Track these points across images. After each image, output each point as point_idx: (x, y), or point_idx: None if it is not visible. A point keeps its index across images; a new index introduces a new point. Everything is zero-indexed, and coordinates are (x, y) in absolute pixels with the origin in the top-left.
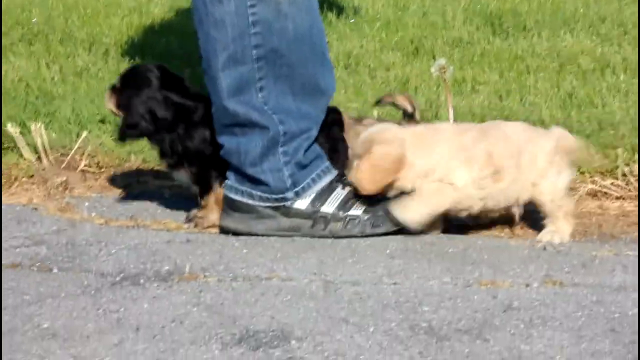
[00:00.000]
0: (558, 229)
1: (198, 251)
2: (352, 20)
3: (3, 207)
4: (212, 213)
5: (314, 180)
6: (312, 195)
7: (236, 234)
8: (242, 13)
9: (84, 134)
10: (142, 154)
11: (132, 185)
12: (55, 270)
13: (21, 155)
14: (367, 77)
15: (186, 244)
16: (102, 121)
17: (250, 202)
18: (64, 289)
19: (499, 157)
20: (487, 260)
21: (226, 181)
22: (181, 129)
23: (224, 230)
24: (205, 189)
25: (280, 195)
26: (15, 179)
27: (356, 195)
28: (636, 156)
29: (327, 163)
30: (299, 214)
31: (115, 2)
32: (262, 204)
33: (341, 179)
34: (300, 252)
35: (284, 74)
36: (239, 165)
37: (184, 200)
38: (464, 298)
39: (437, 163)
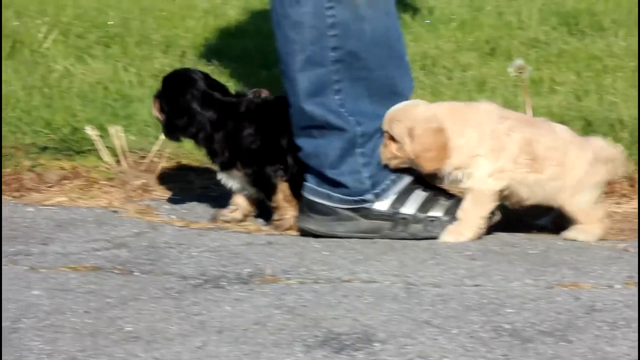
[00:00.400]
0: (587, 230)
1: (279, 253)
2: (428, 21)
3: (83, 210)
4: (286, 212)
5: (393, 182)
6: (392, 197)
7: (316, 236)
8: (321, 14)
9: (162, 136)
10: None
11: (211, 187)
12: (136, 273)
13: (100, 158)
14: (444, 77)
15: (267, 246)
16: None
17: (329, 204)
18: (146, 292)
19: (544, 148)
20: (569, 262)
21: (305, 183)
22: (230, 126)
23: (304, 232)
24: (269, 189)
25: (360, 197)
26: (95, 181)
27: (437, 196)
28: None
29: None
30: (379, 216)
31: (190, 4)
32: (341, 205)
33: (421, 180)
34: (381, 254)
35: (361, 77)
36: (318, 168)
37: (263, 202)
38: (546, 300)
39: (463, 146)
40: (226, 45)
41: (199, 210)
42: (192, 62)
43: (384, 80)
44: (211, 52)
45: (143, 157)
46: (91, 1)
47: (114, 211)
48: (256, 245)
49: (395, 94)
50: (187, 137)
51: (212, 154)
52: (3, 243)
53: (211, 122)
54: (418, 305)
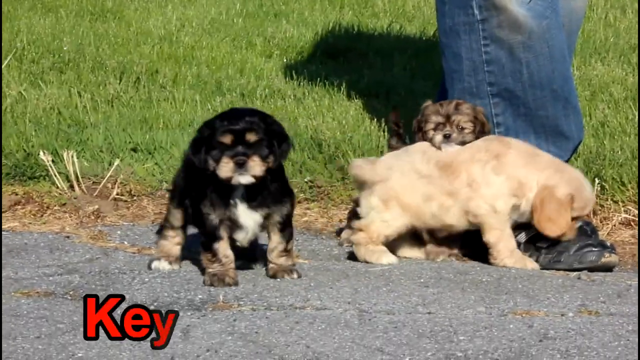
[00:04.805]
0: None
1: None
2: None
3: (35, 235)
4: None
5: None
6: None
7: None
8: (476, 49)
9: (116, 162)
10: None
11: (164, 214)
12: None
13: (53, 184)
14: None
15: None
16: (134, 149)
17: None
18: None
19: None
20: (522, 290)
21: None
22: None
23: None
24: None
25: None
26: (48, 207)
27: None
28: None
29: None
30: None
31: (146, 30)
32: None
33: None
34: (334, 281)
35: (522, 114)
36: None
37: None
38: (499, 327)
39: None
40: (180, 71)
41: (152, 236)
42: (147, 89)
43: (546, 120)
44: (165, 78)
45: (96, 183)
46: (45, 27)
47: (67, 237)
48: None
49: (560, 134)
50: None
51: None
52: None
53: None
54: (370, 333)
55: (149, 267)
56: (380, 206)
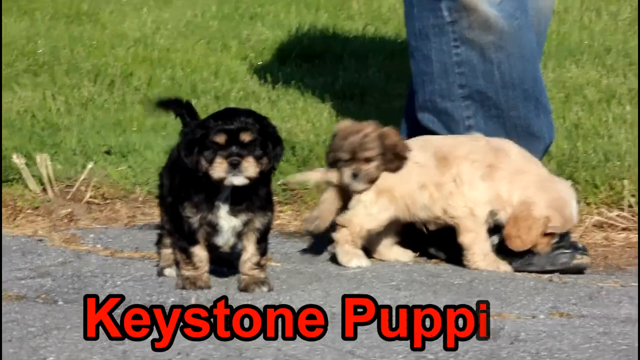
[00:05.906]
0: None
1: None
2: None
3: (8, 238)
4: None
5: None
6: None
7: None
8: (447, 51)
9: (90, 165)
10: (147, 186)
11: (137, 217)
12: (60, 302)
13: (26, 187)
14: None
15: None
16: (108, 152)
17: None
18: (69, 321)
19: None
20: (494, 292)
21: None
22: None
23: None
24: None
25: None
26: (21, 210)
27: None
28: None
29: None
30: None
31: (121, 33)
32: None
33: None
34: (306, 284)
35: (493, 115)
36: None
37: None
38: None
39: None
40: (155, 74)
41: (125, 239)
42: (121, 91)
43: (517, 120)
44: (140, 81)
45: (70, 186)
46: (20, 30)
47: (39, 240)
48: None
49: (532, 135)
50: None
51: None
52: None
53: None
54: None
55: (161, 274)
56: (372, 198)
